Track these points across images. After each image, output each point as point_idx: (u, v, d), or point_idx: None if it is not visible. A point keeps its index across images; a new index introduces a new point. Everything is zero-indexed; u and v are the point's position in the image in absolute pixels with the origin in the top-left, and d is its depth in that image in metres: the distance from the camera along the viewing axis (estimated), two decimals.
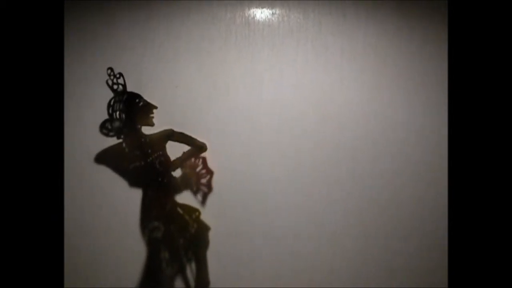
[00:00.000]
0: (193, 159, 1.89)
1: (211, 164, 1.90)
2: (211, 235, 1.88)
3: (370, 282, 1.92)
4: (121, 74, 1.85)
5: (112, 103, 1.84)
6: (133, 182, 1.87)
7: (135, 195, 1.86)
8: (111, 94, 1.85)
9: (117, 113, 1.84)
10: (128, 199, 1.86)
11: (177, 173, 1.89)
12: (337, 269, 1.91)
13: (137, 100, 1.85)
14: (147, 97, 1.85)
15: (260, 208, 1.90)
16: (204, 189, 1.89)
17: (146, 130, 1.86)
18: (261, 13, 1.93)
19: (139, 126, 1.86)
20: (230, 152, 1.90)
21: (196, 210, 1.88)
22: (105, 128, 1.83)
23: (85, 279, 1.84)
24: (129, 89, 1.85)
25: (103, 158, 1.84)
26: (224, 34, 1.92)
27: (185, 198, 1.88)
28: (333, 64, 1.92)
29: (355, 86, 1.92)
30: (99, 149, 1.85)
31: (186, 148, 1.89)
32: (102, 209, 1.88)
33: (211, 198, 1.89)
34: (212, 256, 1.88)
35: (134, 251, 1.85)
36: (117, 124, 1.84)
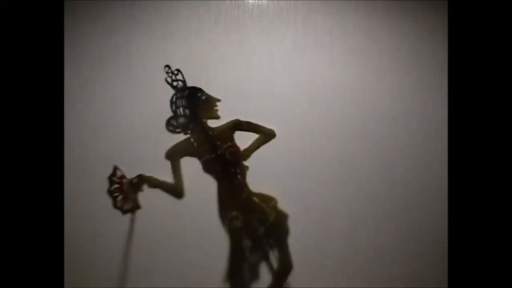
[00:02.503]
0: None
1: None
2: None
3: (360, 261, 1.91)
4: (179, 71, 1.78)
5: (174, 99, 1.80)
6: (207, 173, 1.85)
7: None
8: (103, 75, 1.83)
9: (181, 109, 1.80)
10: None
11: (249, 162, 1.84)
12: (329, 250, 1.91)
13: (199, 94, 1.79)
14: (134, 78, 1.82)
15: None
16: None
17: (212, 123, 1.82)
18: None
19: (204, 120, 1.81)
20: None
21: (272, 198, 1.84)
22: (170, 125, 1.81)
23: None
24: (112, 67, 1.81)
25: (173, 154, 1.83)
26: (213, 15, 1.84)
27: (260, 187, 1.84)
28: (322, 44, 1.87)
29: (344, 66, 1.88)
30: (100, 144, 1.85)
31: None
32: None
33: None
34: None
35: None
36: (182, 120, 1.80)
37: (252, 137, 1.84)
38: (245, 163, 1.83)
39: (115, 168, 1.82)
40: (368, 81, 1.88)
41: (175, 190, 1.83)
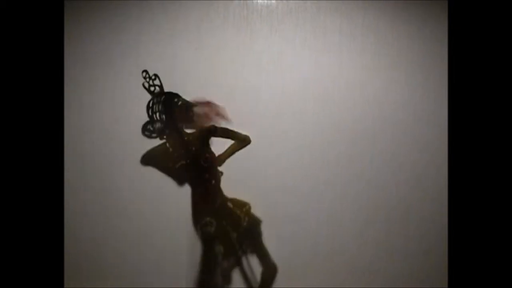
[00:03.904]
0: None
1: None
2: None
3: (369, 262, 1.94)
4: (156, 76, 1.81)
5: (151, 104, 1.82)
6: (181, 180, 1.87)
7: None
8: (110, 74, 1.84)
9: (157, 114, 1.82)
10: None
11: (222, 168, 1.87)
12: (337, 250, 1.93)
13: (175, 100, 1.82)
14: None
15: (259, 188, 1.89)
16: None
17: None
18: None
19: (180, 125, 1.83)
20: None
21: (246, 203, 1.87)
22: (147, 130, 1.82)
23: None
24: (120, 67, 1.84)
25: (148, 159, 1.84)
26: (223, 14, 1.87)
27: (234, 192, 1.87)
28: (331, 44, 1.90)
29: (353, 66, 1.90)
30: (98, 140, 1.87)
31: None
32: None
33: None
34: None
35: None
36: (158, 125, 1.83)
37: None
38: (220, 168, 1.86)
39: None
40: (377, 81, 1.91)
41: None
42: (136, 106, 1.83)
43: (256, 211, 1.88)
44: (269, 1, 1.88)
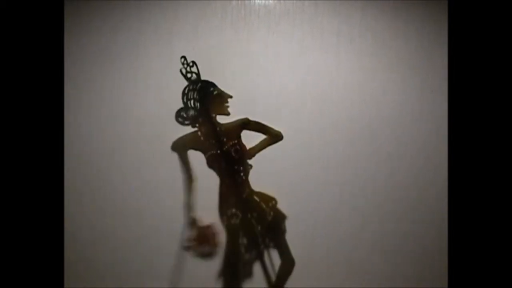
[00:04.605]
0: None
1: None
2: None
3: (366, 262, 1.94)
4: (194, 63, 1.78)
5: (186, 91, 1.80)
6: (210, 168, 1.86)
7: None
8: (109, 74, 1.84)
9: (192, 101, 1.81)
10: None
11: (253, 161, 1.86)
12: (333, 251, 1.93)
13: (211, 89, 1.80)
14: (140, 77, 1.83)
15: (255, 188, 1.88)
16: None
17: (222, 119, 1.84)
18: None
19: (214, 115, 1.82)
20: None
21: (272, 198, 1.86)
22: (180, 117, 1.81)
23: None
24: (119, 66, 1.83)
25: (179, 145, 1.84)
26: (220, 15, 1.85)
27: (261, 186, 1.86)
28: (329, 45, 1.88)
29: (351, 67, 1.89)
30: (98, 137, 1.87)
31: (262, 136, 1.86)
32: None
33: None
34: None
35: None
36: (191, 112, 1.81)
37: (260, 137, 1.85)
38: (249, 162, 1.85)
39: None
40: (374, 81, 1.90)
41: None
42: (135, 106, 1.84)
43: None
44: (266, 2, 1.85)
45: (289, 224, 1.90)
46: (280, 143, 1.87)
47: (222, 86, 1.83)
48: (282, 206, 1.89)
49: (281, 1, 1.85)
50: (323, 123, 1.89)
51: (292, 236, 1.90)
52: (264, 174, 1.87)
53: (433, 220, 1.93)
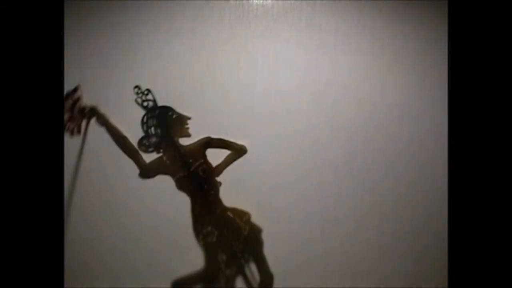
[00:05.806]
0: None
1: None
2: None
3: (364, 263, 1.94)
4: (149, 91, 1.80)
5: (145, 120, 1.82)
6: (180, 190, 1.88)
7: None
8: (108, 73, 1.84)
9: (152, 128, 1.83)
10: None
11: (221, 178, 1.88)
12: (330, 252, 1.93)
13: (169, 113, 1.82)
14: (144, 78, 1.83)
15: (252, 188, 1.89)
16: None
17: (184, 141, 1.85)
18: None
19: (176, 138, 1.83)
20: (224, 134, 1.86)
21: (246, 213, 1.88)
22: (143, 145, 1.83)
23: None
24: (116, 66, 1.83)
25: (147, 172, 1.85)
26: (218, 14, 1.85)
27: (233, 202, 1.88)
28: (326, 45, 1.87)
29: (348, 66, 1.87)
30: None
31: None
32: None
33: None
34: None
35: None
36: (154, 139, 1.83)
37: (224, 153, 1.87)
38: (218, 179, 1.87)
39: (77, 88, 1.83)
40: (372, 81, 1.88)
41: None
42: (134, 106, 1.84)
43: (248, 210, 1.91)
44: (264, 1, 1.85)
45: (284, 225, 1.91)
46: (276, 142, 1.87)
47: (219, 86, 1.85)
48: (280, 204, 1.90)
49: (279, 1, 1.85)
50: (320, 122, 1.88)
51: (291, 236, 1.91)
52: (261, 175, 1.88)
53: (433, 220, 1.92)
